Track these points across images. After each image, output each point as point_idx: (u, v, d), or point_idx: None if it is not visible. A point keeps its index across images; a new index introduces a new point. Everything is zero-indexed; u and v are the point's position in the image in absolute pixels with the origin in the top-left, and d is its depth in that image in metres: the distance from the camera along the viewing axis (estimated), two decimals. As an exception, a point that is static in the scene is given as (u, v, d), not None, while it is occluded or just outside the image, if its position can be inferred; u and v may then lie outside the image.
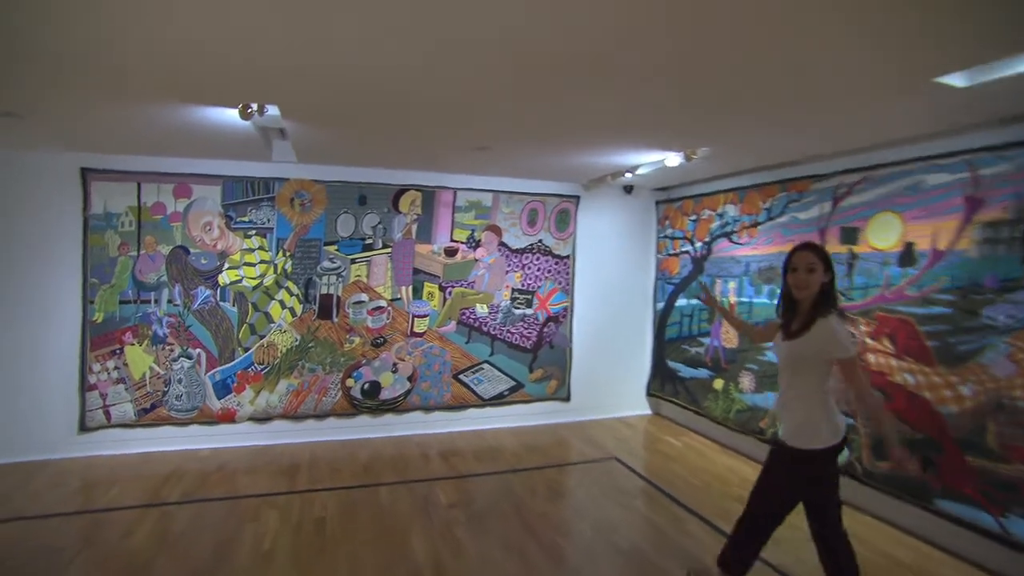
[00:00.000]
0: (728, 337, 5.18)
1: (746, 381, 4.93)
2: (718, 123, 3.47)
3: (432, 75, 2.69)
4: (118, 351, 4.77)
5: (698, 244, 5.61)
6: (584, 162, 4.80)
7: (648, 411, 6.36)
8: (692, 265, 5.69)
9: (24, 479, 4.29)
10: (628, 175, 5.16)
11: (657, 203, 6.29)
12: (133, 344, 4.79)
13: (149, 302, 4.80)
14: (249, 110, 3.16)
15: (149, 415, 4.84)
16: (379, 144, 4.34)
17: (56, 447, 4.68)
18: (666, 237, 6.13)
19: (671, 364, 5.96)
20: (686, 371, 5.73)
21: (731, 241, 5.18)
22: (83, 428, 4.73)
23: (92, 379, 4.73)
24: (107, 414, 4.76)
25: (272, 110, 3.36)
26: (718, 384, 5.28)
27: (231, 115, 3.43)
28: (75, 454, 4.72)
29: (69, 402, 4.70)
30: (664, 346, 6.08)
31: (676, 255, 5.94)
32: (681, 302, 5.85)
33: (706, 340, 5.47)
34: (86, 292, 4.69)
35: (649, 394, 6.31)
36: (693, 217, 5.71)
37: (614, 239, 6.09)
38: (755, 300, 4.86)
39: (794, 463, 2.42)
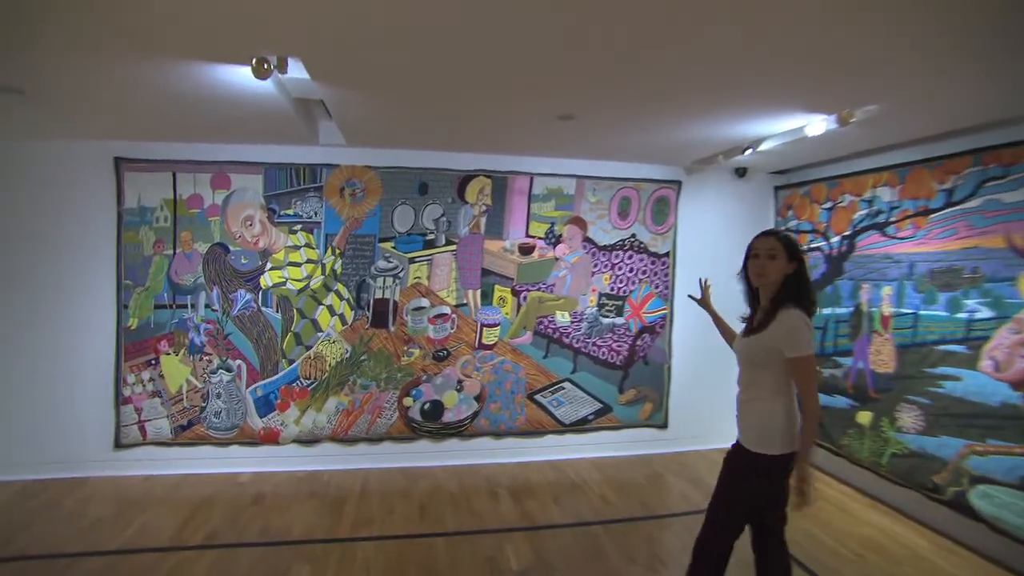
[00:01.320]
0: (880, 358, 4.01)
1: (908, 418, 3.76)
2: (906, 64, 2.40)
3: (501, 15, 1.83)
4: (153, 361, 4.25)
5: (835, 239, 4.45)
6: (692, 135, 3.79)
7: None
8: (826, 265, 4.53)
9: (53, 500, 3.89)
10: (747, 152, 4.09)
11: (776, 189, 5.14)
12: (169, 353, 4.25)
13: (185, 307, 4.25)
14: (266, 66, 2.42)
15: (186, 433, 4.30)
16: (438, 118, 3.54)
17: (90, 464, 4.23)
18: (788, 230, 4.98)
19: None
20: (816, 397, 4.57)
21: (885, 235, 4.00)
22: (118, 445, 4.25)
23: (126, 392, 4.23)
24: (142, 430, 4.25)
25: (297, 69, 2.62)
26: (864, 418, 4.11)
27: (264, 87, 2.75)
28: (109, 472, 4.25)
29: (104, 416, 4.24)
30: (785, 364, 4.94)
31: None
32: (810, 311, 4.69)
33: (846, 361, 4.30)
34: (120, 295, 4.20)
35: (764, 421, 5.18)
36: (827, 205, 4.54)
37: (722, 233, 4.99)
38: (923, 312, 3.68)
39: (751, 467, 2.25)
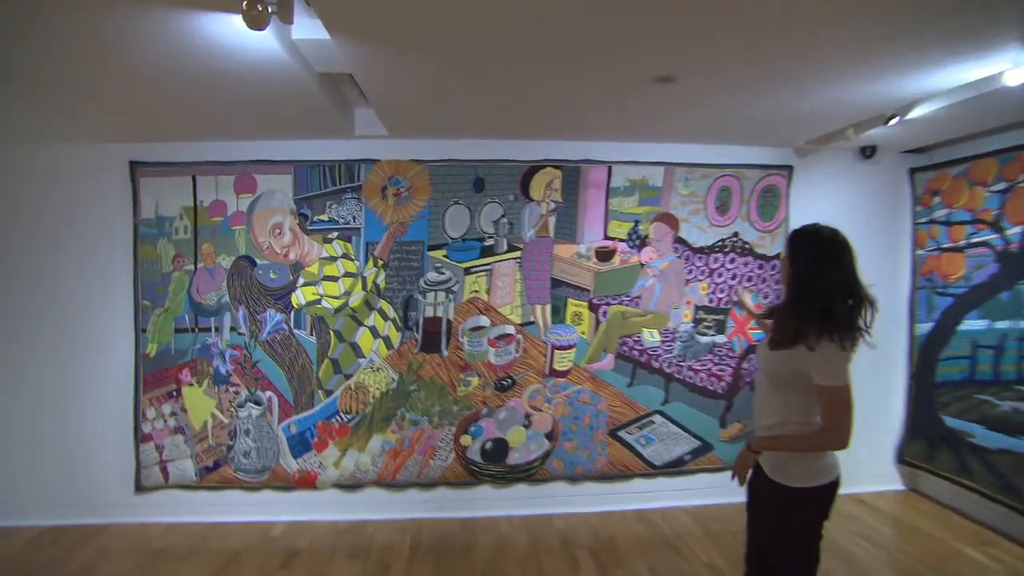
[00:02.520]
0: (1094, 390, 2.96)
1: None
2: None
3: None
4: (175, 393, 3.68)
5: (1013, 230, 3.42)
6: (822, 99, 2.90)
7: (899, 486, 4.21)
8: (998, 265, 3.50)
9: (65, 552, 3.41)
10: (892, 121, 3.15)
11: (912, 172, 4.12)
12: (192, 384, 3.68)
13: (209, 330, 3.67)
14: (259, 7, 1.73)
15: (212, 475, 3.71)
16: (494, 92, 2.80)
17: (110, 509, 3.73)
18: (933, 222, 3.96)
19: (950, 422, 3.78)
20: (987, 436, 3.54)
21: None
22: (139, 488, 3.71)
23: (146, 428, 3.69)
24: (164, 472, 3.70)
25: (311, 27, 1.94)
26: (1069, 469, 3.07)
27: (279, 59, 2.10)
28: (130, 519, 3.73)
29: (125, 456, 3.72)
30: (934, 392, 3.91)
31: (957, 249, 3.77)
32: (974, 324, 3.66)
33: (1037, 391, 3.27)
34: (138, 318, 3.66)
35: (903, 461, 4.16)
36: (999, 187, 3.51)
37: (845, 229, 3.99)
38: None
39: (796, 505, 1.87)
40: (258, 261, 3.66)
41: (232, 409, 3.69)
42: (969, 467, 3.66)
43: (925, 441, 3.98)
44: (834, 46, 2.23)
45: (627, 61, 2.37)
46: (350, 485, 3.76)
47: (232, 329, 3.67)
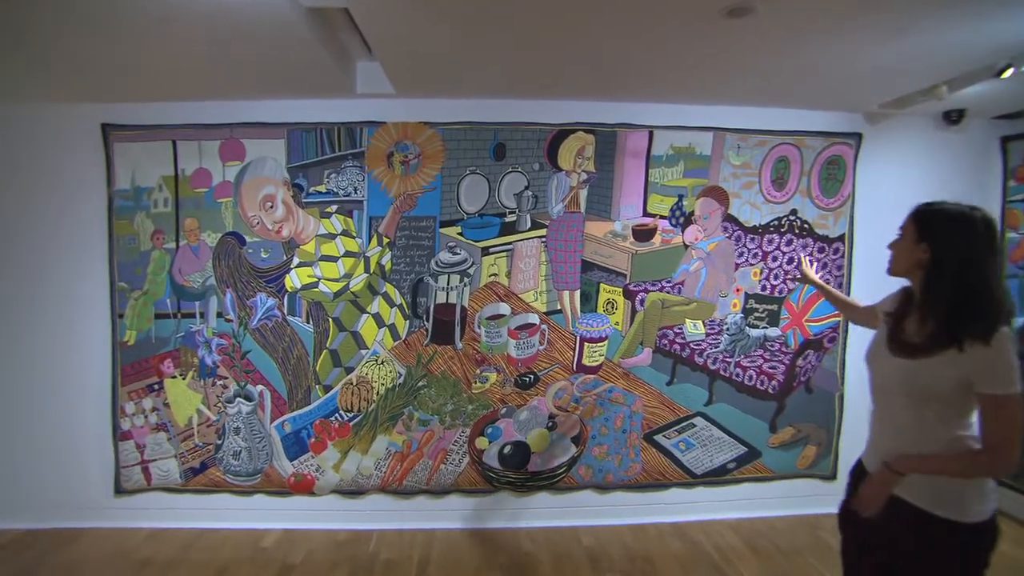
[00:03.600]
0: None
1: None
2: None
3: None
4: (156, 386, 3.28)
5: None
6: (914, 47, 2.35)
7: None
8: (1113, 251, 2.95)
9: (36, 560, 3.07)
10: (1008, 72, 2.59)
11: (1004, 141, 3.55)
12: (175, 376, 3.28)
13: (193, 316, 3.25)
14: None
15: (199, 477, 3.32)
16: (526, 37, 2.29)
17: (88, 513, 3.39)
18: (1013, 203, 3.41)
19: (1041, 430, 3.26)
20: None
21: None
22: (119, 490, 3.35)
23: (125, 424, 3.30)
24: (147, 473, 3.32)
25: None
26: None
27: None
28: (110, 523, 3.38)
29: (103, 454, 3.36)
30: None
31: (1058, 232, 3.22)
32: (1077, 320, 3.13)
33: None
34: (115, 302, 3.25)
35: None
36: (1117, 158, 2.95)
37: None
38: None
39: (957, 542, 1.49)
40: (247, 238, 3.21)
41: (220, 405, 3.28)
42: (1064, 484, 3.16)
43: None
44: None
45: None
46: (351, 491, 3.36)
47: (219, 315, 3.24)
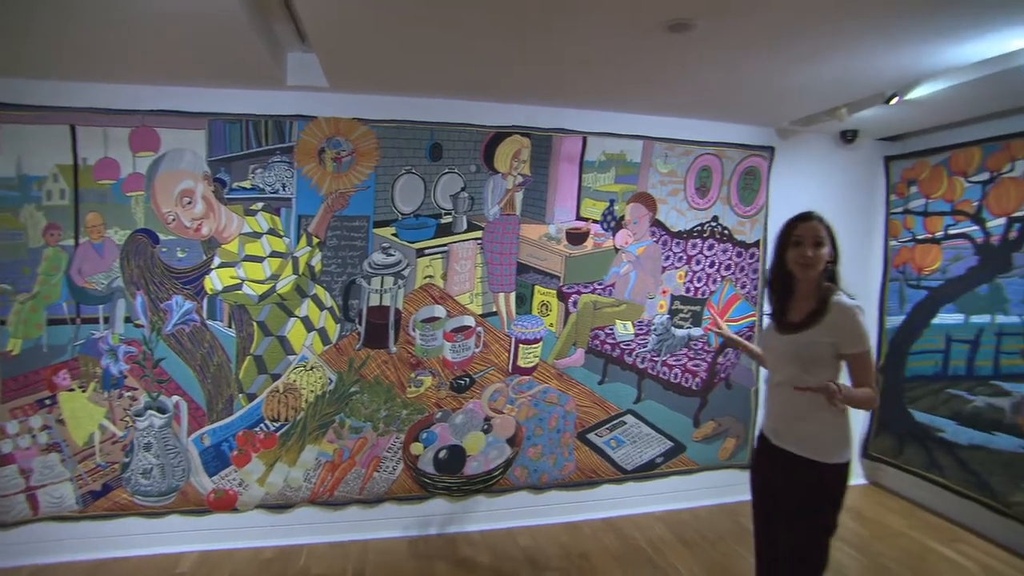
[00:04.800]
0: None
1: None
2: None
3: None
4: (48, 401, 2.93)
5: (995, 222, 3.31)
6: (834, 69, 2.61)
7: (861, 480, 4.12)
8: (978, 257, 3.39)
9: None
10: (893, 101, 2.92)
11: (887, 160, 3.98)
12: (72, 389, 2.94)
13: (96, 321, 2.93)
14: None
15: (101, 501, 3.00)
16: (472, 38, 2.28)
17: (-38, 551, 2.91)
18: (909, 212, 3.83)
19: (919, 416, 3.69)
20: (958, 432, 3.46)
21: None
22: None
23: (6, 447, 2.91)
24: (33, 501, 2.94)
25: None
26: (1050, 468, 3.00)
27: None
28: (-10, 561, 2.94)
29: (-22, 480, 2.92)
30: (903, 386, 3.81)
31: (933, 241, 3.65)
32: (948, 318, 3.56)
33: (1019, 388, 3.18)
34: (-5, 305, 2.87)
35: (867, 456, 4.06)
36: (981, 177, 3.40)
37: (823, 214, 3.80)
38: None
39: (834, 479, 1.99)
40: (161, 236, 2.95)
41: (128, 419, 2.98)
42: (938, 462, 3.58)
43: (892, 436, 3.88)
44: (871, 11, 1.93)
45: (642, 2, 1.93)
46: (278, 505, 3.17)
47: (127, 320, 2.95)
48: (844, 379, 1.97)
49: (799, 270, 2.05)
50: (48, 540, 2.98)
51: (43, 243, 2.87)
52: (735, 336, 2.58)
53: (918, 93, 2.86)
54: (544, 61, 2.59)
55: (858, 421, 4.05)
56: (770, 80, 2.77)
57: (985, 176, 3.36)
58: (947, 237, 3.56)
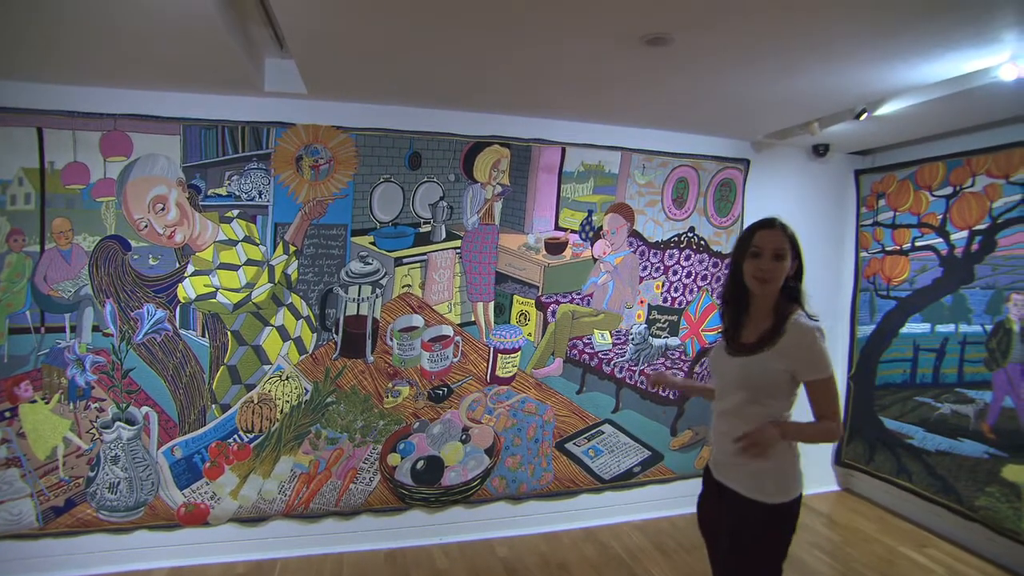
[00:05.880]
0: (1041, 395, 2.98)
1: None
2: None
3: None
4: (8, 413, 2.82)
5: (958, 235, 3.42)
6: (810, 83, 2.67)
7: (834, 487, 4.20)
8: (942, 269, 3.50)
9: None
10: (863, 116, 3.00)
11: (857, 174, 4.09)
12: (35, 401, 2.84)
13: (62, 330, 2.84)
14: None
15: (64, 517, 2.89)
16: (454, 45, 2.28)
17: (-87, 571, 2.78)
18: (878, 225, 3.94)
19: (889, 423, 3.78)
20: (926, 438, 3.55)
21: (1047, 229, 2.99)
22: (-46, 541, 2.81)
23: (-33, 460, 2.80)
24: (-7, 517, 2.83)
25: None
26: (1014, 473, 3.09)
27: None
28: (-56, 582, 2.81)
29: (-65, 495, 2.79)
30: (873, 394, 3.90)
31: (902, 252, 3.76)
32: (916, 327, 3.66)
33: (981, 395, 3.28)
34: (-45, 313, 2.76)
35: (840, 463, 4.14)
36: (945, 191, 3.51)
37: (797, 228, 3.88)
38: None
39: (782, 519, 1.78)
40: (133, 243, 2.88)
41: (94, 431, 2.89)
42: (907, 468, 3.66)
43: (863, 442, 3.96)
44: (841, 29, 1.99)
45: (620, 15, 1.96)
46: (252, 518, 3.10)
47: (95, 329, 2.87)
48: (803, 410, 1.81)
49: (755, 284, 1.79)
50: (5, 560, 2.86)
51: (6, 248, 2.77)
52: (677, 381, 2.48)
53: (886, 109, 2.95)
54: (523, 73, 2.61)
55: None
56: (745, 94, 2.82)
57: (948, 190, 3.47)
58: (914, 249, 3.66)
